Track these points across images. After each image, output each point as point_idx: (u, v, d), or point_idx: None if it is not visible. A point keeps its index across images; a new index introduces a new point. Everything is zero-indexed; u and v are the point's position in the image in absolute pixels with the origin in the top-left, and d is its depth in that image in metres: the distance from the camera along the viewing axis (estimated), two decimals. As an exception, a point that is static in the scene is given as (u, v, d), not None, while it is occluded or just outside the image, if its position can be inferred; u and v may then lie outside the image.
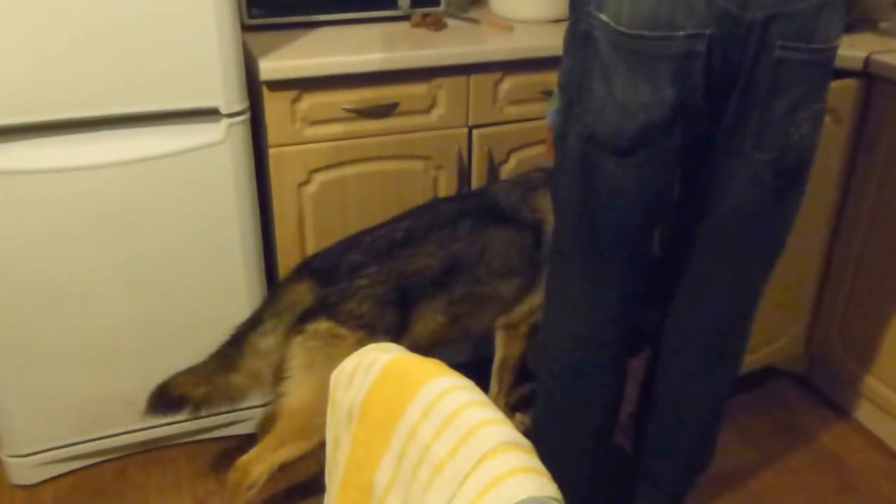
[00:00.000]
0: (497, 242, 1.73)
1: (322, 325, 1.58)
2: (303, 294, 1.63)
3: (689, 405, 1.61)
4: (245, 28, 1.86)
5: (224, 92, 1.63)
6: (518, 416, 2.06)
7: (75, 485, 1.88)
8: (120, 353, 1.77)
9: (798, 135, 1.27)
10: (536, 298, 1.80)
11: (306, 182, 1.85)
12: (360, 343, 1.49)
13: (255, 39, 1.82)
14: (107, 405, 1.83)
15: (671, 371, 1.59)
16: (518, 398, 2.13)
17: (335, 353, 1.55)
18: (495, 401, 1.99)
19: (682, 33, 1.17)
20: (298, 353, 1.58)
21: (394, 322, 1.62)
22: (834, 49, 1.24)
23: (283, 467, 1.64)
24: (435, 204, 1.79)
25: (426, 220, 1.71)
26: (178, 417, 1.72)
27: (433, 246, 1.68)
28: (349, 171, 1.87)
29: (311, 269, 1.68)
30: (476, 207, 1.75)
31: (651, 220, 1.39)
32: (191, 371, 1.66)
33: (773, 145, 1.27)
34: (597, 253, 1.40)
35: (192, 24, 1.55)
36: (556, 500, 0.68)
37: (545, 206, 1.72)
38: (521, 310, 1.83)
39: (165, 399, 1.64)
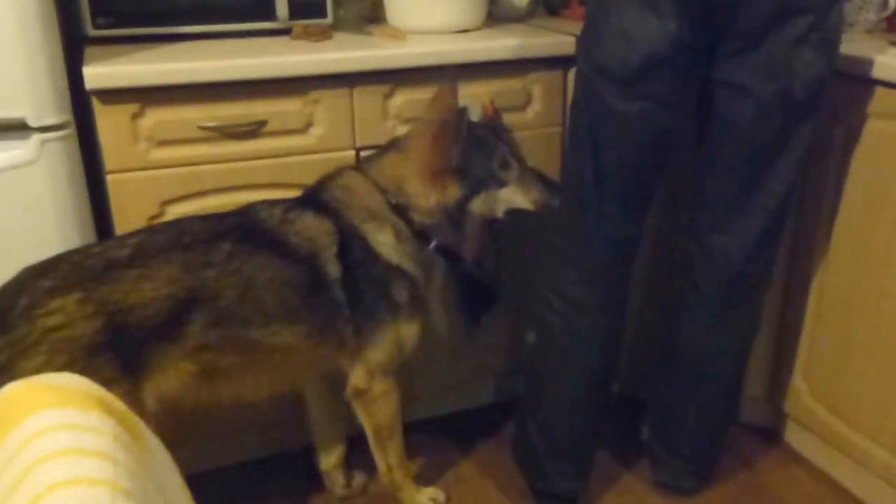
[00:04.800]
0: (266, 276, 1.27)
1: None
2: None
3: (712, 357, 1.53)
4: (90, 40, 1.51)
5: (32, 101, 1.26)
6: (428, 490, 1.61)
7: None
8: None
9: (805, 63, 1.26)
10: (360, 350, 1.38)
11: (158, 216, 1.46)
12: None
13: (101, 53, 1.44)
14: None
15: (687, 328, 1.53)
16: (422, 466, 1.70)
17: None
18: (391, 478, 1.54)
19: None
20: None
21: (115, 373, 1.13)
22: None
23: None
24: (182, 220, 1.35)
25: (167, 237, 1.25)
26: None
27: (174, 270, 1.21)
28: (212, 202, 1.48)
29: None
30: (237, 229, 1.30)
31: (649, 158, 1.38)
32: None
33: (779, 76, 1.27)
34: (600, 185, 1.39)
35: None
36: None
37: (318, 233, 1.33)
38: (353, 369, 1.40)
39: None
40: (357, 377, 1.40)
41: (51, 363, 1.09)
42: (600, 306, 1.47)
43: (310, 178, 1.50)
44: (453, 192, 1.37)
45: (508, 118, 1.65)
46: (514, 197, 1.42)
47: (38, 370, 1.08)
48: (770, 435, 1.81)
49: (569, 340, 1.49)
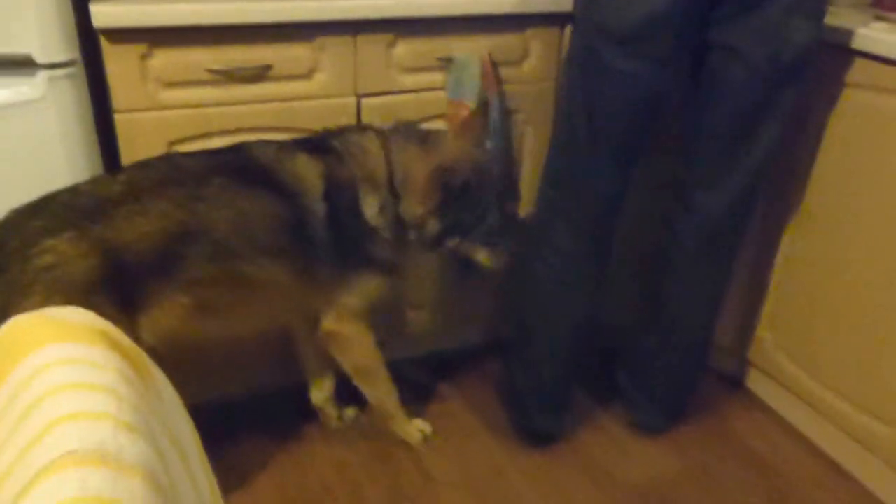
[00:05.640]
0: (257, 209, 1.29)
1: None
2: None
3: (688, 306, 1.59)
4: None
5: (39, 37, 1.24)
6: (417, 422, 1.67)
7: None
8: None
9: (795, 29, 1.30)
10: (334, 292, 1.41)
11: (165, 156, 1.45)
12: None
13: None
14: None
15: (666, 279, 1.59)
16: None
17: None
18: (382, 409, 1.59)
19: None
20: None
21: (113, 310, 1.13)
22: None
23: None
24: (173, 155, 1.34)
25: (159, 172, 1.26)
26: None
27: (167, 204, 1.21)
28: (218, 143, 1.47)
29: None
30: (229, 164, 1.31)
31: (642, 117, 1.40)
32: None
33: (770, 41, 1.31)
34: (592, 141, 1.41)
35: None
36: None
37: (307, 175, 1.35)
38: (325, 310, 1.43)
39: None
40: (328, 319, 1.44)
41: (48, 302, 1.08)
42: (587, 256, 1.51)
43: (313, 123, 1.51)
44: (432, 224, 1.43)
45: (505, 72, 1.66)
46: (479, 253, 1.50)
47: (34, 309, 1.09)
48: (735, 382, 1.89)
49: (555, 286, 1.54)
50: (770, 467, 1.65)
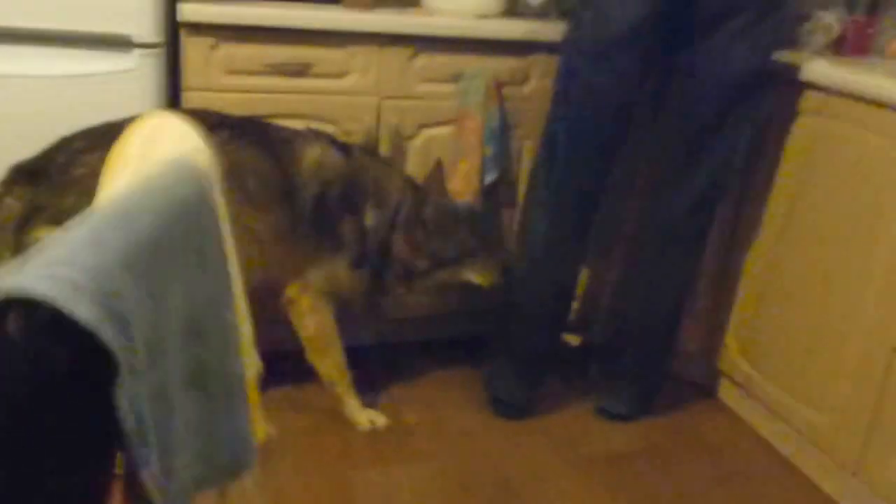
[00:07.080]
0: (249, 162, 1.54)
1: (43, 234, 1.35)
2: (12, 204, 1.39)
3: (652, 299, 1.79)
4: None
5: (136, 21, 1.62)
6: (370, 412, 1.79)
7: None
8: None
9: (736, 57, 1.53)
10: (305, 268, 1.63)
11: (219, 129, 1.80)
12: None
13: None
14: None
15: (636, 269, 1.81)
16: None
17: None
18: (332, 391, 1.76)
19: None
20: None
21: None
22: None
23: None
24: (197, 109, 1.61)
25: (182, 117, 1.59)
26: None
27: None
28: (263, 125, 1.82)
29: (20, 171, 1.41)
30: (243, 127, 1.59)
31: (613, 122, 1.65)
32: None
33: (715, 65, 1.56)
34: (569, 142, 1.67)
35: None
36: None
37: (310, 157, 1.62)
38: (293, 280, 1.65)
39: None
40: (293, 288, 1.67)
41: (79, 202, 1.31)
42: (563, 239, 1.75)
43: (342, 115, 1.84)
44: (421, 262, 1.74)
45: (508, 91, 1.95)
46: (467, 274, 1.78)
47: (73, 207, 1.34)
48: (706, 391, 2.03)
49: (538, 266, 1.77)
50: (723, 457, 1.78)
